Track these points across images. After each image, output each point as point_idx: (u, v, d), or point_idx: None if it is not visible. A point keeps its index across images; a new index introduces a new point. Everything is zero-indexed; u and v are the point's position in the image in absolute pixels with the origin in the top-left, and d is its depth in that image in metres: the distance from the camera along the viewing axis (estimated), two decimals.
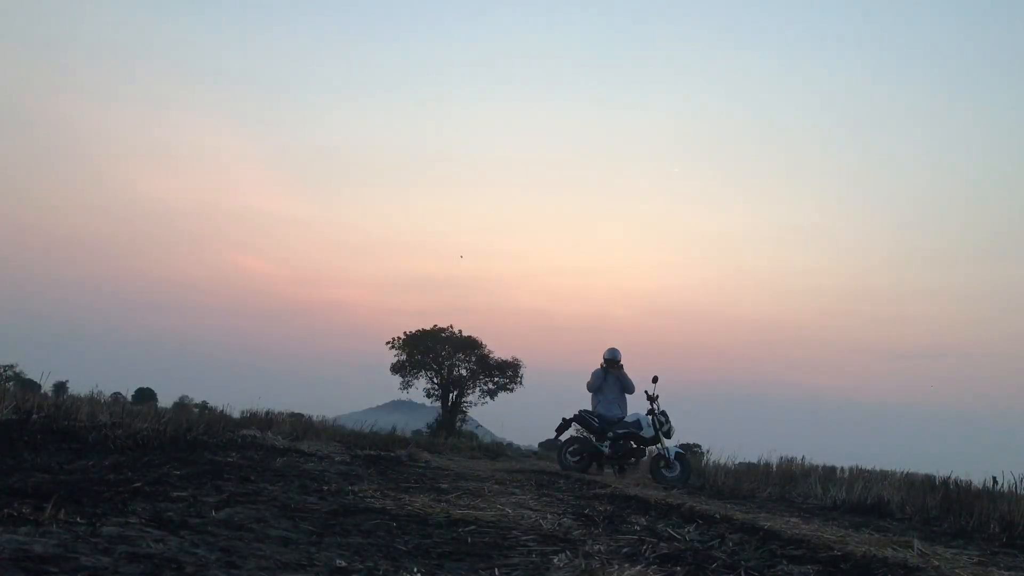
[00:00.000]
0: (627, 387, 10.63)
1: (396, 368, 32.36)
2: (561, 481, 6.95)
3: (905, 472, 8.81)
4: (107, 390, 11.62)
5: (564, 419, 10.36)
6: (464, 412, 32.59)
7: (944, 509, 5.47)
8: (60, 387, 16.60)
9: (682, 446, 11.15)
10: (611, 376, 10.61)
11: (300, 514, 2.60)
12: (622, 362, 10.75)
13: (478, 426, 34.77)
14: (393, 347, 32.52)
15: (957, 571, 2.76)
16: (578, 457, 10.06)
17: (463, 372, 32.56)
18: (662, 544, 2.67)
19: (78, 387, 15.09)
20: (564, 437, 10.42)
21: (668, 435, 9.60)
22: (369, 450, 8.72)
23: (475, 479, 5.82)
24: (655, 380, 9.80)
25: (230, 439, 6.25)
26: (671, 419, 9.76)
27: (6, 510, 1.84)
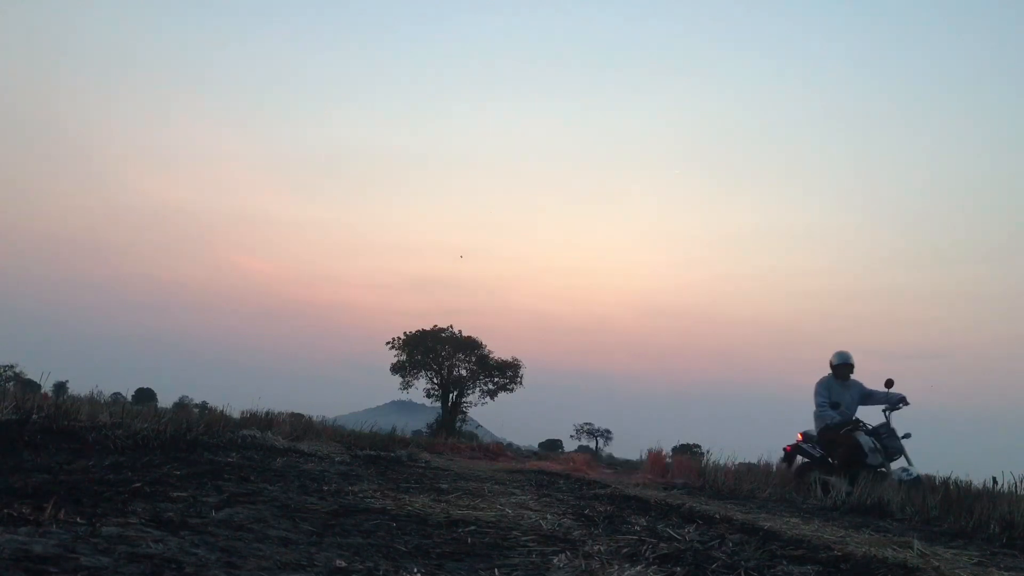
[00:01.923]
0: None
1: (396, 368, 32.39)
2: (561, 481, 6.96)
3: None
4: (107, 390, 11.65)
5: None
6: (464, 412, 32.61)
7: (944, 509, 5.47)
8: (60, 387, 16.63)
9: (682, 446, 11.06)
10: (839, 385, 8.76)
11: (300, 514, 2.60)
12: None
13: (478, 426, 34.80)
14: (393, 347, 32.55)
15: (957, 571, 2.76)
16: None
17: (463, 372, 32.57)
18: (662, 544, 2.67)
19: (78, 387, 15.12)
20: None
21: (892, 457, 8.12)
22: (369, 450, 8.73)
23: (475, 479, 5.82)
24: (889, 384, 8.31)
25: (230, 439, 6.25)
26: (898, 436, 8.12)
27: (6, 510, 1.84)
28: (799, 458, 8.82)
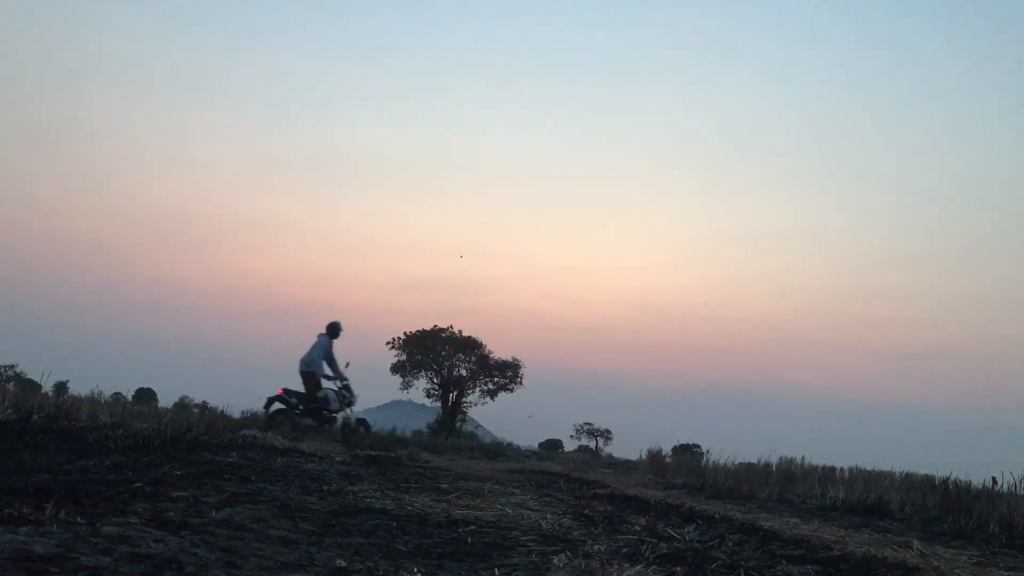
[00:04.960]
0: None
1: (396, 368, 32.35)
2: (561, 481, 6.96)
3: (905, 472, 8.81)
4: (107, 390, 11.65)
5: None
6: (464, 412, 32.59)
7: (944, 509, 5.47)
8: (61, 387, 16.61)
9: (682, 446, 11.30)
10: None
11: (300, 514, 2.60)
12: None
13: (478, 426, 34.79)
14: (393, 347, 32.53)
15: (956, 571, 2.76)
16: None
17: (463, 372, 32.55)
18: (662, 544, 2.67)
19: (79, 387, 15.08)
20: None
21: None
22: (369, 450, 8.73)
23: (475, 479, 5.82)
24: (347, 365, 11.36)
25: (230, 439, 6.25)
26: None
27: (6, 510, 1.84)
28: (276, 404, 11.08)
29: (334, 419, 11.33)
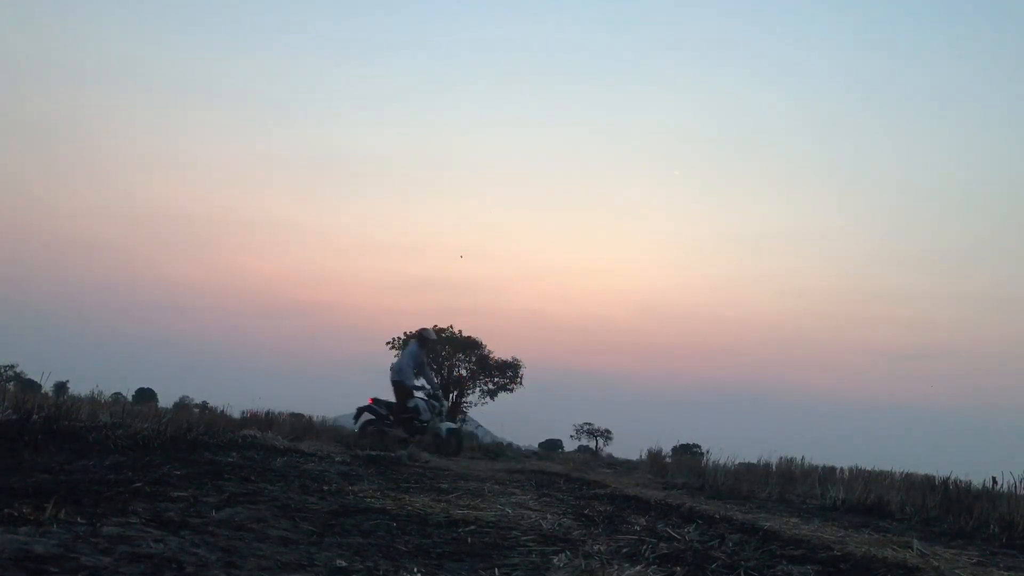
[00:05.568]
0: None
1: None
2: (561, 481, 6.96)
3: (905, 472, 8.80)
4: (107, 390, 11.62)
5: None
6: (464, 412, 32.60)
7: (944, 509, 5.47)
8: (60, 387, 16.60)
9: (682, 446, 11.38)
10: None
11: (300, 514, 2.60)
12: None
13: (478, 426, 34.80)
14: (393, 347, 32.51)
15: (956, 571, 2.76)
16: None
17: (463, 372, 32.53)
18: (662, 544, 2.68)
19: (78, 387, 15.06)
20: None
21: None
22: (369, 450, 8.73)
23: (475, 479, 5.82)
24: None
25: (230, 439, 6.25)
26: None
27: (6, 510, 1.84)
28: (366, 415, 11.05)
29: (425, 428, 11.07)
